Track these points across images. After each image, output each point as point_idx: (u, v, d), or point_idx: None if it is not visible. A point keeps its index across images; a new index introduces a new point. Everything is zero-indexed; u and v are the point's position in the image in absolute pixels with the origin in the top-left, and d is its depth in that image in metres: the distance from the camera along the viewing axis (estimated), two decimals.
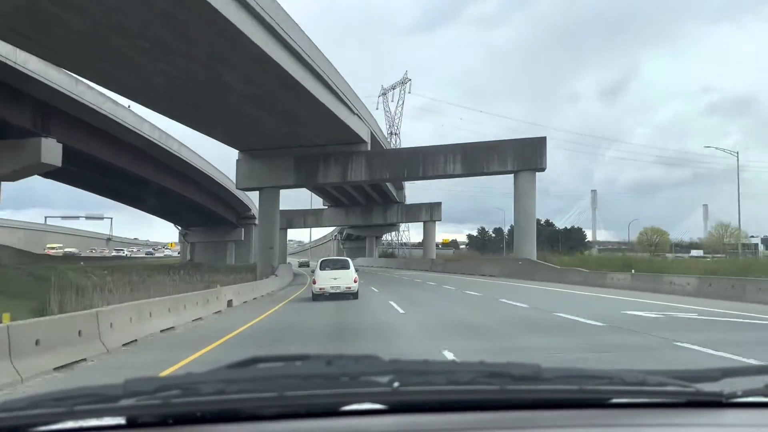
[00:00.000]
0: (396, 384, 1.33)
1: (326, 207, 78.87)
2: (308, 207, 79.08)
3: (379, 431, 1.33)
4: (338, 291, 20.34)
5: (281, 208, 52.24)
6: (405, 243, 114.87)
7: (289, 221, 73.44)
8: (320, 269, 21.48)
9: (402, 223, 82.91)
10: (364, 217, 75.71)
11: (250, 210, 70.92)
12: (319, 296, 20.53)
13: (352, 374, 1.34)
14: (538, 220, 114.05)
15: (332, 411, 1.34)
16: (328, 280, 20.68)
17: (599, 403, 1.44)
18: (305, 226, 79.66)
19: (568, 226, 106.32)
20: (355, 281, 20.77)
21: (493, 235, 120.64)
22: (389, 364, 1.38)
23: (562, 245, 71.13)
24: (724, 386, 1.48)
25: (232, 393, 1.29)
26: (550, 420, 1.38)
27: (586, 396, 1.42)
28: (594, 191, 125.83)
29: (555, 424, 1.36)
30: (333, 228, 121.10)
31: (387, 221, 78.28)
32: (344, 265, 21.71)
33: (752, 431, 1.40)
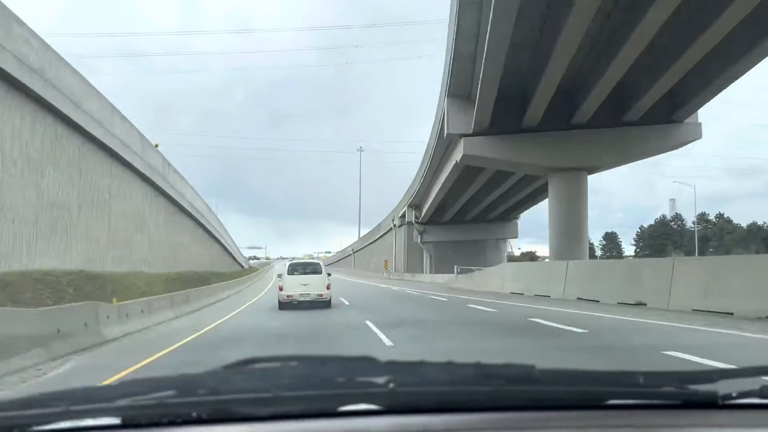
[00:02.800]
0: (392, 384, 1.33)
1: None
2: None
3: None
4: (308, 299, 18.37)
5: None
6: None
7: None
8: (288, 274, 19.24)
9: None
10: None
11: None
12: (287, 304, 18.43)
13: (348, 375, 1.34)
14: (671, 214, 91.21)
15: (328, 412, 1.34)
16: (297, 286, 18.64)
17: (595, 403, 1.44)
18: None
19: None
20: (327, 288, 18.83)
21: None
22: (385, 365, 1.38)
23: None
24: (720, 388, 1.48)
25: (227, 393, 1.29)
26: (546, 421, 1.38)
27: (582, 397, 1.43)
28: (673, 200, 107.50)
29: (550, 425, 1.37)
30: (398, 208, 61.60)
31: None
32: (315, 270, 19.58)
33: None
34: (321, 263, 20.68)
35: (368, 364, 1.39)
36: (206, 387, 1.28)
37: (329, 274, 20.44)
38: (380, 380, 1.34)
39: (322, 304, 18.57)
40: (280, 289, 18.84)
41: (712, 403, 1.47)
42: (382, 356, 1.45)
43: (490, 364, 1.44)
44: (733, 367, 1.61)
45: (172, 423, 1.28)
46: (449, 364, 1.42)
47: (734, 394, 1.48)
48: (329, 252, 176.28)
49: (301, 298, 18.37)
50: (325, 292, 18.71)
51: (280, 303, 18.66)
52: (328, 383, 1.34)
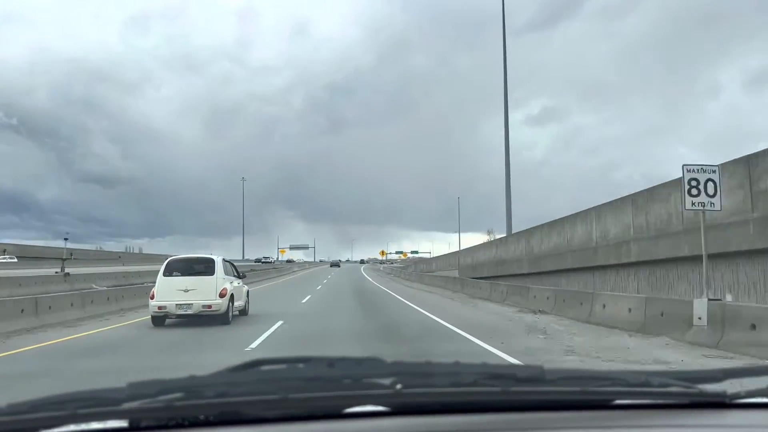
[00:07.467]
0: (398, 386, 1.32)
1: None
2: None
3: None
4: (189, 311, 12.97)
5: None
6: None
7: None
8: (163, 275, 13.52)
9: None
10: None
11: None
12: (161, 319, 13.11)
13: (355, 376, 1.34)
14: None
15: (335, 413, 1.34)
16: (174, 292, 13.01)
17: (602, 404, 1.44)
18: None
19: None
20: (222, 295, 13.07)
21: None
22: (391, 366, 1.38)
23: None
24: (728, 387, 1.48)
25: (234, 395, 1.29)
26: (553, 421, 1.37)
27: (590, 397, 1.42)
28: None
29: (558, 426, 1.36)
30: None
31: None
32: (205, 269, 13.54)
33: None
34: (218, 259, 14.08)
35: (375, 364, 1.38)
36: (213, 389, 1.28)
37: (244, 276, 15.53)
38: (386, 381, 1.34)
39: (212, 318, 13.14)
40: (151, 297, 13.32)
41: (720, 403, 1.46)
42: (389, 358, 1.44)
43: (497, 364, 1.44)
44: (741, 365, 1.60)
45: (180, 425, 1.28)
46: (456, 364, 1.42)
47: (743, 393, 1.47)
48: (400, 252, 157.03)
49: (180, 311, 13.02)
50: (215, 301, 13.03)
51: (152, 317, 13.25)
52: (334, 385, 1.33)
